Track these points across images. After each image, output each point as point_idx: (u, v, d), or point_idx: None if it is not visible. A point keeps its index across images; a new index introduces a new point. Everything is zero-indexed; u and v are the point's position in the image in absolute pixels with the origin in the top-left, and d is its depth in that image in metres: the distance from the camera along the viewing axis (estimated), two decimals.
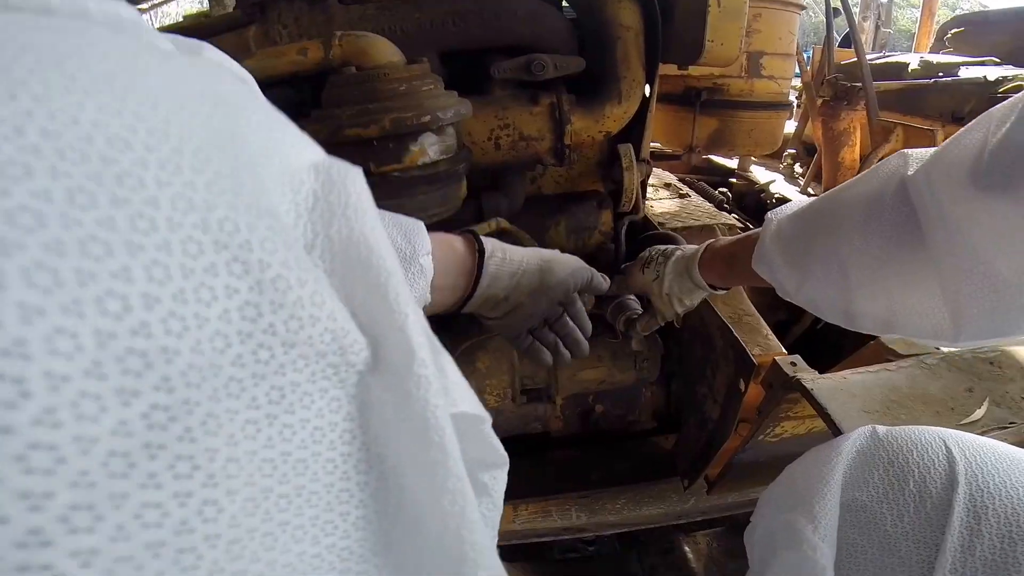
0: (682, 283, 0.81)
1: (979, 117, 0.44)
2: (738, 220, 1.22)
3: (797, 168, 2.25)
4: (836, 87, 1.91)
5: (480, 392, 1.05)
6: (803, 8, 1.88)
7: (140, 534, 0.15)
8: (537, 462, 1.17)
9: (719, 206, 1.35)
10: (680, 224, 1.10)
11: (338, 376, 0.19)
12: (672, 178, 1.45)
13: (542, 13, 0.95)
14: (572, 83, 0.98)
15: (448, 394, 0.22)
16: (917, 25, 3.69)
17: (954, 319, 0.45)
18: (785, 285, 0.63)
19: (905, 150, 0.51)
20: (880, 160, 1.62)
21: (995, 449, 0.45)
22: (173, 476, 0.15)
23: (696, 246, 0.83)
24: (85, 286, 0.13)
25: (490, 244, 0.66)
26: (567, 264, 0.70)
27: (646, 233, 1.06)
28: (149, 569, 0.15)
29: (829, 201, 0.59)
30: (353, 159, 0.70)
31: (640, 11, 0.96)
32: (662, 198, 1.28)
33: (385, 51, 0.79)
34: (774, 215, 0.67)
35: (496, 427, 0.96)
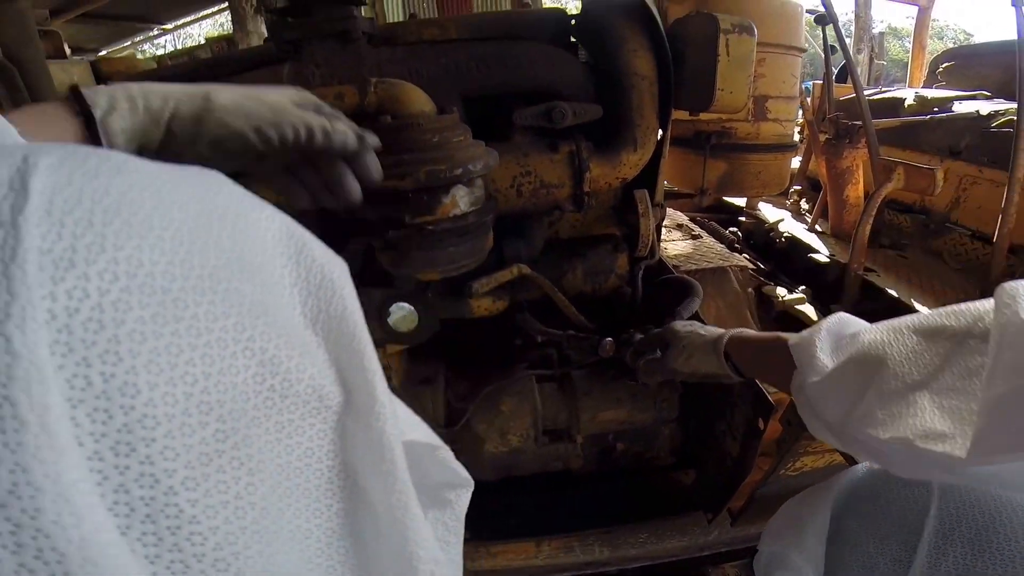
0: (708, 362, 0.84)
1: None
2: (749, 260, 1.25)
3: (803, 204, 2.29)
4: (838, 125, 1.95)
5: (504, 433, 1.06)
6: (804, 51, 1.96)
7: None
8: (559, 499, 1.18)
9: (730, 246, 1.39)
10: (694, 267, 1.13)
11: (321, 415, 0.27)
12: (684, 218, 1.49)
13: (561, 59, 1.00)
14: (588, 129, 1.02)
15: (398, 427, 0.30)
16: (909, 55, 3.78)
17: (976, 431, 0.43)
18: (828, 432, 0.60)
19: (1007, 285, 0.46)
20: (882, 200, 1.67)
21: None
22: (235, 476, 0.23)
23: (719, 331, 0.85)
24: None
25: (106, 99, 0.44)
26: (241, 94, 0.52)
27: (662, 277, 1.09)
28: None
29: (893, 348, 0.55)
30: (388, 209, 0.73)
31: (654, 59, 1.00)
32: (675, 239, 1.31)
33: (418, 99, 0.83)
34: (809, 354, 0.62)
35: (518, 466, 0.98)
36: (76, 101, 0.42)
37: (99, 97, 0.44)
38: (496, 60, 0.97)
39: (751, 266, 1.17)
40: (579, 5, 1.09)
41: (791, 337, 0.66)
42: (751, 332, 0.82)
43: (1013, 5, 1.53)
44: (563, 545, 1.10)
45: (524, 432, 1.07)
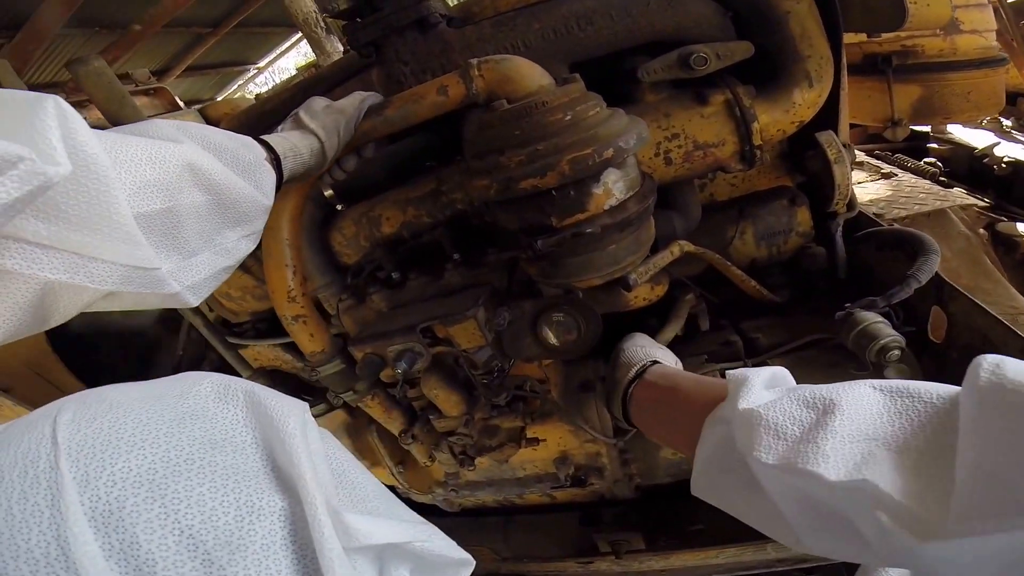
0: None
1: None
2: (968, 194, 0.99)
3: (1006, 122, 1.88)
4: None
5: None
6: None
7: None
8: None
9: (935, 181, 1.12)
10: (902, 212, 0.90)
11: (294, 537, 0.34)
12: (860, 155, 1.23)
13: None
14: (742, 72, 0.84)
15: (348, 535, 0.35)
16: None
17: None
18: None
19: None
20: None
21: None
22: None
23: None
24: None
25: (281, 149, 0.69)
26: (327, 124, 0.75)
27: (866, 231, 0.87)
28: None
29: None
30: (531, 214, 0.60)
31: None
32: (862, 181, 1.08)
33: (531, 73, 0.70)
34: (744, 382, 0.57)
35: None
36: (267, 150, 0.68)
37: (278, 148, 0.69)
38: (600, 14, 0.81)
39: (977, 202, 0.91)
40: None
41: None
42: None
43: None
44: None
45: None
